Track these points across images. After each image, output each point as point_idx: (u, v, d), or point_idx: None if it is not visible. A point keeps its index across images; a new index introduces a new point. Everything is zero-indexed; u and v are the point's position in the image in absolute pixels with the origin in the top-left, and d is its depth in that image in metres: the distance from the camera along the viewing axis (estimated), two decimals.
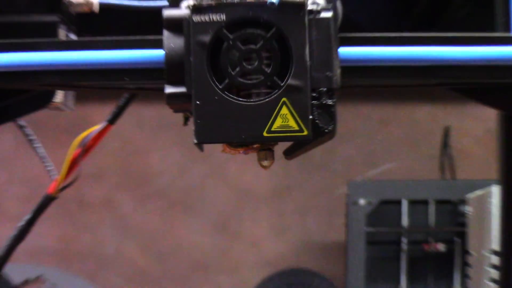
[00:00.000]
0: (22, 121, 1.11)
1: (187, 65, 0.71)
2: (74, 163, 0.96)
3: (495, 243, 1.23)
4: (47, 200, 1.03)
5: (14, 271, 2.20)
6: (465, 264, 1.62)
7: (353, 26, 0.77)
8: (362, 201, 2.01)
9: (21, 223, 1.06)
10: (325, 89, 0.72)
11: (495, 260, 1.22)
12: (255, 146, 0.74)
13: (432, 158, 2.29)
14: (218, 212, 2.48)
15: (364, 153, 2.45)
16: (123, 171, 2.48)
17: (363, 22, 0.89)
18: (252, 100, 0.72)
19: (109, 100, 1.03)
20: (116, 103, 1.03)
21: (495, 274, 1.24)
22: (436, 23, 0.78)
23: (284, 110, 0.71)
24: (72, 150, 0.96)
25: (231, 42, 0.71)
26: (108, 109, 1.04)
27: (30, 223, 1.06)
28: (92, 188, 2.44)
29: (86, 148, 0.96)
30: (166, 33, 0.73)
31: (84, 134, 0.97)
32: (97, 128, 0.99)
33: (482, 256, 1.28)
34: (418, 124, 2.47)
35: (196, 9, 0.71)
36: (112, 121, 1.01)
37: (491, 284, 1.26)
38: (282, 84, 0.71)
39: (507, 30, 0.78)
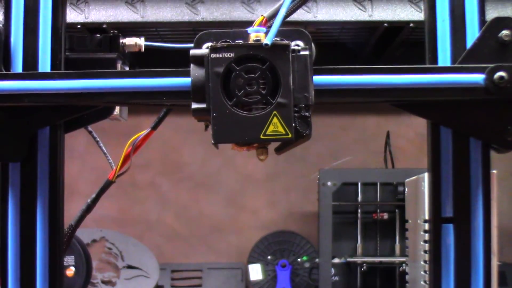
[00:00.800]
0: (90, 127, 1.11)
1: (207, 88, 0.71)
2: (127, 158, 0.95)
3: (426, 214, 1.22)
4: (108, 184, 1.03)
5: (84, 233, 2.20)
6: (404, 229, 1.62)
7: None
8: (329, 183, 2.00)
9: (88, 200, 1.05)
10: (303, 105, 0.71)
11: (426, 226, 1.22)
12: (254, 145, 0.74)
13: (378, 154, 2.28)
14: (229, 190, 2.48)
15: (330, 150, 2.45)
16: (163, 162, 2.48)
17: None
18: (252, 113, 0.71)
19: (154, 113, 1.03)
20: (157, 114, 1.03)
21: (426, 236, 1.24)
22: (378, 61, 0.78)
23: (275, 120, 0.71)
24: (126, 148, 0.95)
25: (237, 73, 0.71)
26: (153, 119, 1.03)
27: (95, 200, 1.05)
28: (141, 173, 2.44)
29: (136, 147, 0.96)
30: (192, 66, 0.72)
31: (134, 137, 0.96)
32: (143, 132, 0.98)
33: (417, 223, 1.27)
34: (367, 129, 2.46)
35: (213, 49, 0.71)
36: (154, 127, 1.00)
37: (424, 244, 1.25)
38: (273, 102, 0.71)
39: (435, 63, 0.77)
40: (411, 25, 1.95)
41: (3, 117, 0.76)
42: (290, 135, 0.71)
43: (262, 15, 0.73)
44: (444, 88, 0.73)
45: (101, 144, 1.18)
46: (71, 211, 1.13)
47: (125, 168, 0.98)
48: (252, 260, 2.25)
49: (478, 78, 0.72)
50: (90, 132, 1.16)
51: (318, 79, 0.73)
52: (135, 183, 2.43)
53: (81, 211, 1.06)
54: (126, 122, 1.02)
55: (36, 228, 0.77)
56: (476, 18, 0.77)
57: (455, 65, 0.76)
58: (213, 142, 0.72)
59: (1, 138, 0.76)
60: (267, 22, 0.73)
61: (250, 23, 0.73)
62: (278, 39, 0.72)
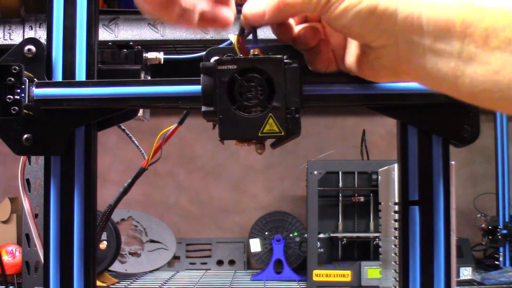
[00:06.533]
0: (122, 126, 1.09)
1: (214, 94, 0.70)
2: (158, 149, 0.94)
3: (396, 197, 1.21)
4: (141, 171, 1.02)
5: (114, 214, 2.17)
6: (377, 210, 1.61)
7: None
8: (315, 172, 1.99)
9: (125, 184, 1.04)
10: (294, 108, 0.71)
11: (396, 208, 1.21)
12: (254, 141, 0.73)
13: (355, 148, 2.27)
14: (233, 178, 2.47)
15: (316, 145, 2.43)
16: (179, 155, 2.47)
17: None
18: (252, 114, 0.70)
19: (171, 114, 1.02)
20: (174, 116, 1.02)
21: (396, 216, 1.23)
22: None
23: (271, 120, 0.70)
24: (157, 141, 0.94)
25: (240, 82, 0.70)
26: (170, 120, 1.02)
27: (130, 184, 1.04)
28: (162, 165, 2.43)
29: (166, 139, 0.95)
30: (202, 76, 0.71)
31: (164, 130, 0.95)
32: (171, 127, 0.97)
33: (388, 205, 1.26)
34: (347, 128, 2.45)
35: (219, 62, 0.70)
36: (180, 123, 1.00)
37: (394, 222, 1.24)
38: (269, 106, 0.70)
39: None
40: None
41: (46, 118, 0.75)
42: (283, 133, 0.70)
43: None
44: (410, 94, 0.73)
45: (134, 139, 1.16)
46: (104, 196, 1.12)
47: (156, 157, 0.96)
48: (252, 235, 2.24)
49: None
50: (123, 130, 1.15)
51: (306, 87, 0.72)
52: (157, 172, 2.42)
53: (119, 193, 1.05)
54: (148, 122, 1.01)
55: (74, 210, 0.76)
56: None
57: None
58: (219, 138, 0.71)
59: (45, 135, 0.76)
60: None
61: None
62: (273, 53, 0.71)
